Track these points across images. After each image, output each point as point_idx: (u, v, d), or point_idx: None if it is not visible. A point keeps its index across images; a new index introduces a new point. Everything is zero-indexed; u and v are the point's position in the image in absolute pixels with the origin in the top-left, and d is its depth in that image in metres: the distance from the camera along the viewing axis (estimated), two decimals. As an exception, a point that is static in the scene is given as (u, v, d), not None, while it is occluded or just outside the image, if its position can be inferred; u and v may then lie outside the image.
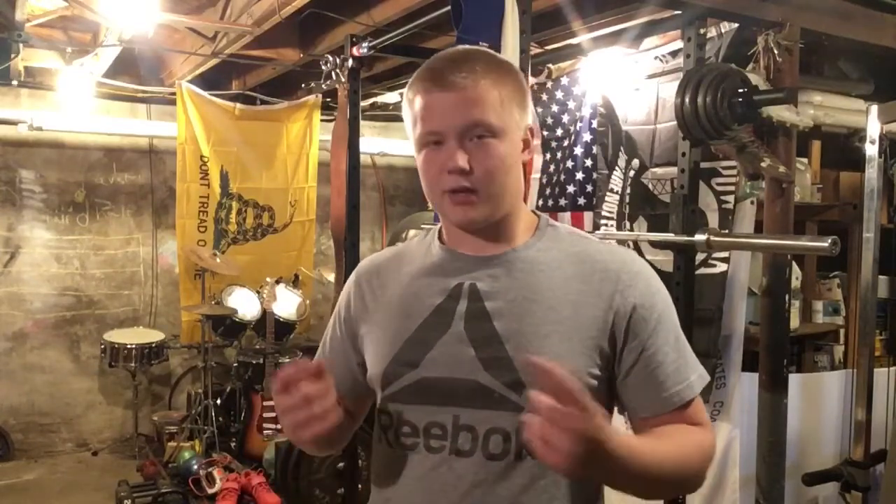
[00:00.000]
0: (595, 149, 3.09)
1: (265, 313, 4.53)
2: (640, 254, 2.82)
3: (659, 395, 1.12)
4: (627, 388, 1.12)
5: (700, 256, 2.45)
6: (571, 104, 3.23)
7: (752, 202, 2.52)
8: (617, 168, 2.97)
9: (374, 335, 1.20)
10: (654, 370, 1.11)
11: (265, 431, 4.38)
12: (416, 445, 1.12)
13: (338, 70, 2.92)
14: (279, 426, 4.35)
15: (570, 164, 3.20)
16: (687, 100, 2.11)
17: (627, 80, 2.93)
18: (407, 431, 1.13)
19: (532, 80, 3.12)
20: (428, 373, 1.11)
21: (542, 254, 1.15)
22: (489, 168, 1.08)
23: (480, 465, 1.08)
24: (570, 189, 3.20)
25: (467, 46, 1.16)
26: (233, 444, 4.51)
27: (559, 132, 3.28)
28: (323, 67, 3.00)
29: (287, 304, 4.83)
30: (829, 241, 1.77)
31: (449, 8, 2.04)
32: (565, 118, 3.26)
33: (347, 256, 2.94)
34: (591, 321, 1.10)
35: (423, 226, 4.81)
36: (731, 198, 2.54)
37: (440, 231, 1.23)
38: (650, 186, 2.80)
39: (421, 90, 1.10)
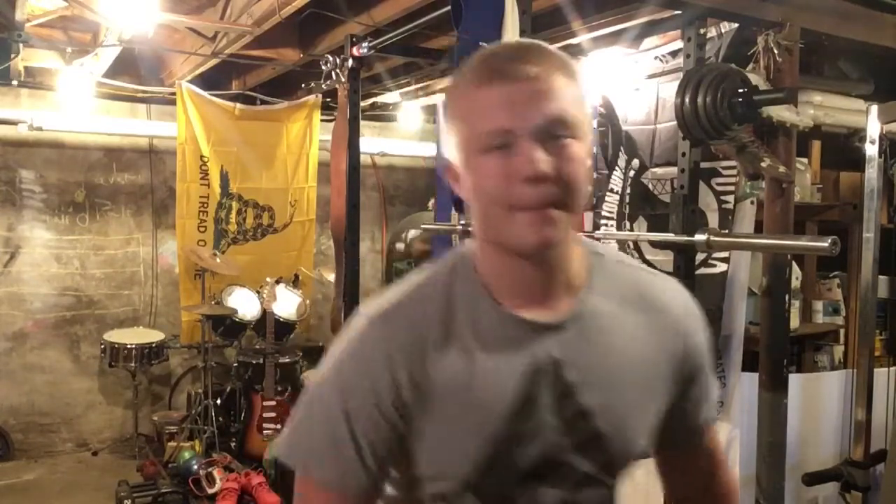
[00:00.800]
0: (595, 149, 3.09)
1: (265, 313, 4.53)
2: (641, 253, 2.82)
3: (696, 426, 1.10)
4: (666, 420, 1.05)
5: (700, 256, 2.44)
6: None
7: (752, 202, 2.52)
8: (617, 168, 2.97)
9: (439, 433, 0.94)
10: (697, 407, 1.08)
11: (265, 431, 4.38)
12: None
13: (338, 70, 2.92)
14: (279, 425, 4.37)
15: (570, 164, 3.20)
16: (687, 100, 2.11)
17: (627, 80, 2.93)
18: None
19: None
20: (519, 470, 0.95)
21: (604, 301, 0.98)
22: (573, 174, 0.88)
23: None
24: (570, 189, 3.19)
25: (524, 40, 0.99)
26: (233, 444, 4.52)
27: (559, 132, 3.28)
28: (323, 67, 3.00)
29: (287, 304, 4.83)
30: (829, 241, 1.76)
31: (449, 8, 2.05)
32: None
33: (347, 256, 2.95)
34: (665, 378, 1.02)
35: (422, 226, 4.82)
36: (731, 198, 2.54)
37: (471, 267, 0.97)
38: (650, 186, 2.80)
39: (477, 83, 0.89)
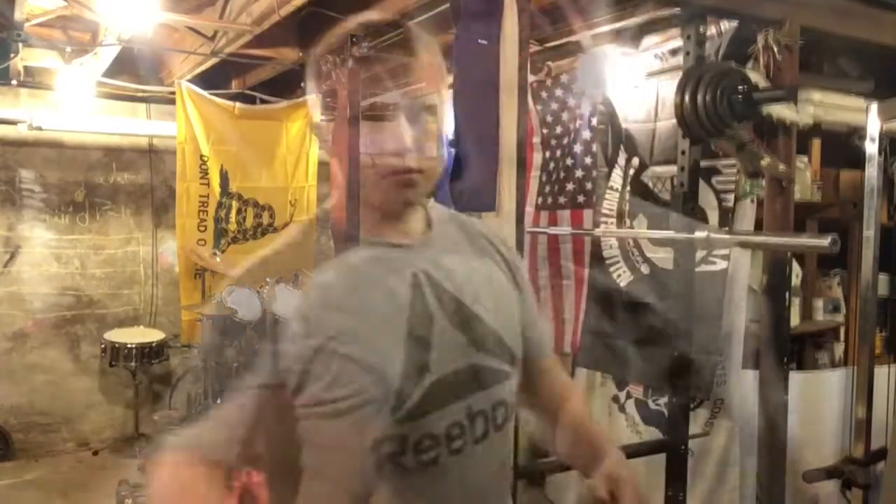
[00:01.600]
0: (595, 147, 3.09)
1: (265, 313, 4.53)
2: (641, 251, 2.83)
3: (541, 345, 1.28)
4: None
5: (700, 254, 2.45)
6: (571, 102, 3.23)
7: (752, 200, 2.52)
8: (617, 166, 2.97)
9: (360, 349, 1.02)
10: (535, 324, 1.24)
11: (266, 431, 4.37)
12: (438, 457, 1.02)
13: (338, 70, 2.92)
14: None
15: (569, 161, 3.20)
16: (687, 98, 2.11)
17: (627, 79, 2.93)
18: (427, 445, 1.01)
19: (532, 77, 3.12)
20: (436, 374, 1.03)
21: (448, 231, 1.20)
22: None
23: (495, 442, 1.09)
24: (570, 187, 3.20)
25: None
26: (233, 444, 4.51)
27: (559, 130, 3.28)
28: (322, 67, 3.00)
29: (287, 304, 4.83)
30: (829, 239, 1.77)
31: (448, 6, 2.04)
32: (565, 116, 3.26)
33: (347, 255, 2.94)
34: (512, 293, 1.20)
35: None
36: (731, 196, 2.54)
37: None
38: (650, 184, 2.81)
39: None
